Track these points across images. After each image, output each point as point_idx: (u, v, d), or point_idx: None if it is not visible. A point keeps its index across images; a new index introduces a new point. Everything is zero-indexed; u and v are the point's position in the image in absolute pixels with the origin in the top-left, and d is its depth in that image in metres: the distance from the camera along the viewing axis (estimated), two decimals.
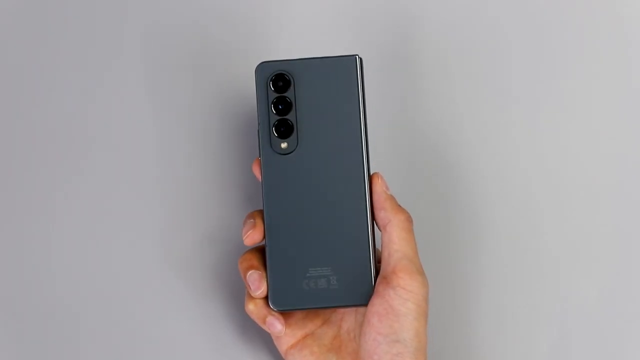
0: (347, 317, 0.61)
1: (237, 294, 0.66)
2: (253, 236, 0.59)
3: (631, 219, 0.67)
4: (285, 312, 0.60)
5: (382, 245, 0.59)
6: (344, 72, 0.59)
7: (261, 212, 0.60)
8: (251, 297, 0.60)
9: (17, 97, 0.70)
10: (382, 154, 0.65)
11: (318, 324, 0.62)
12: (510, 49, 0.70)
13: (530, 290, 0.66)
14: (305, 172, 0.59)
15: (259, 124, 0.60)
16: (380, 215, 0.59)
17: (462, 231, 0.67)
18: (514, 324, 0.66)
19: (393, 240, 0.58)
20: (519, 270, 0.67)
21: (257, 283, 0.59)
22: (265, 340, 0.65)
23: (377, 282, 0.58)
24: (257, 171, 0.60)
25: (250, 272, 0.60)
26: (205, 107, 0.69)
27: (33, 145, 0.69)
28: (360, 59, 0.60)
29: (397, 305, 0.57)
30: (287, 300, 0.59)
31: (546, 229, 0.67)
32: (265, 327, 0.60)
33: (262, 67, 0.60)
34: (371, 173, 0.60)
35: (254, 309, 0.60)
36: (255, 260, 0.60)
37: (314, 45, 0.68)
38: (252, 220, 0.60)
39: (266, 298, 0.60)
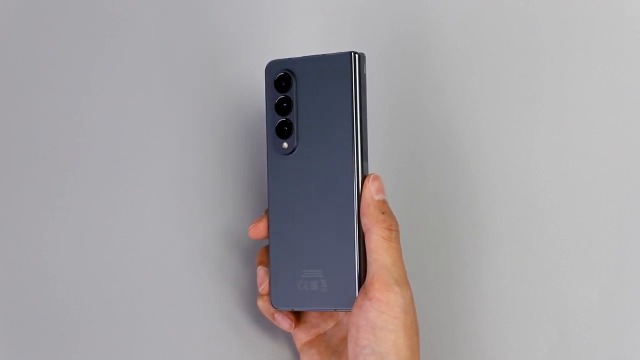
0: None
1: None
2: (254, 230, 0.60)
3: (631, 219, 0.66)
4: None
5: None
6: (338, 69, 0.58)
7: None
8: (260, 294, 0.61)
9: (29, 96, 0.69)
10: (383, 152, 0.65)
11: (331, 325, 0.62)
12: (513, 48, 0.69)
13: (530, 291, 0.65)
14: (303, 172, 0.59)
15: (266, 123, 0.60)
16: (363, 221, 0.57)
17: (462, 231, 0.67)
18: (514, 324, 0.65)
19: (371, 249, 0.56)
20: (519, 271, 0.66)
21: (259, 279, 0.60)
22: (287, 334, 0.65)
23: (359, 292, 0.57)
24: None
25: (258, 267, 0.61)
26: (225, 103, 0.69)
27: (44, 145, 0.68)
28: (358, 55, 0.58)
29: (373, 317, 0.55)
30: (284, 300, 0.60)
31: (547, 230, 0.66)
32: (275, 324, 0.61)
33: (270, 66, 0.60)
34: (368, 173, 0.58)
35: (262, 305, 0.61)
36: (266, 256, 0.61)
37: (325, 42, 0.67)
38: (262, 214, 0.61)
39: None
